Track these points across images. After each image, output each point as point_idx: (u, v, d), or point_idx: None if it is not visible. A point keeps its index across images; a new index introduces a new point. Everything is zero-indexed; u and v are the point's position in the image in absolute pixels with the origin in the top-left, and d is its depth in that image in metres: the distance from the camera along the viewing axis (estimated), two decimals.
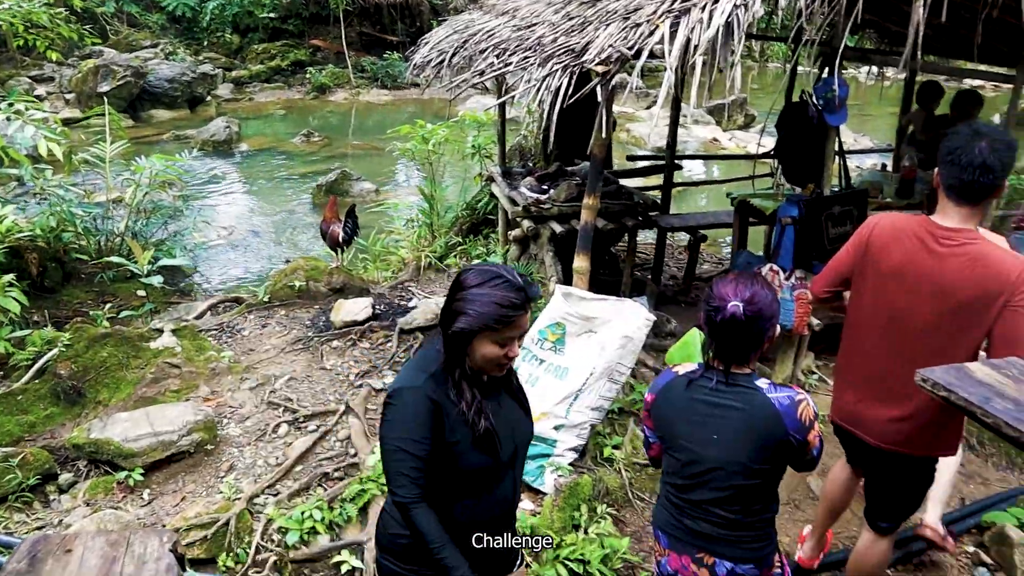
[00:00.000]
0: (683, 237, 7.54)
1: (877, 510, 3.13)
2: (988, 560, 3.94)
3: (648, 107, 15.65)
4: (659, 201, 6.52)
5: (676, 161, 6.83)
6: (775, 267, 4.44)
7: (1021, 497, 4.27)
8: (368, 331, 5.74)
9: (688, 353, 4.27)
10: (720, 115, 14.88)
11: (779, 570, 2.50)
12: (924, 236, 2.72)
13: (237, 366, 5.35)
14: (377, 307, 6.03)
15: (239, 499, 3.96)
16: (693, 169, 12.75)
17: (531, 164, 6.79)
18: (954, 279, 2.63)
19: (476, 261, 6.50)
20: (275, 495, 4.07)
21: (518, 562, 2.57)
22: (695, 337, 4.32)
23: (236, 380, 5.21)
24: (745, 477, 2.32)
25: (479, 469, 2.17)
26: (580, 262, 4.17)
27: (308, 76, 19.35)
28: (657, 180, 7.03)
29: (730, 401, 2.34)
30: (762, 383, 2.34)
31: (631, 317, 3.96)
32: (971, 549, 4.04)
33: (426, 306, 5.79)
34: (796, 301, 4.40)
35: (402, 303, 6.25)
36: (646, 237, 7.97)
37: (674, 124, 6.59)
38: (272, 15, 20.14)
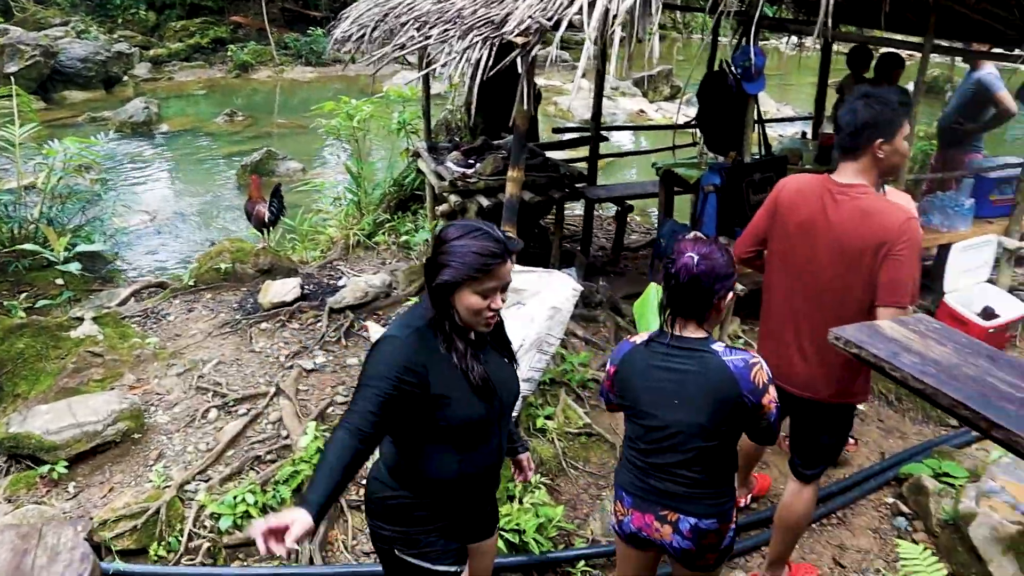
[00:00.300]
0: (612, 208, 7.61)
1: (800, 458, 3.30)
2: (906, 510, 4.13)
3: (575, 80, 15.58)
4: (586, 173, 6.56)
5: (602, 132, 6.87)
6: (699, 235, 4.51)
7: (935, 449, 4.47)
8: (297, 311, 5.66)
9: (645, 308, 4.35)
10: (646, 86, 15.02)
11: (735, 523, 2.61)
12: (823, 192, 2.93)
13: (163, 352, 5.24)
14: (306, 287, 5.95)
15: (169, 487, 3.90)
16: (622, 141, 12.84)
17: (457, 139, 6.75)
18: (846, 230, 2.84)
19: (404, 238, 6.47)
20: (206, 481, 4.01)
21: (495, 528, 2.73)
22: (653, 290, 4.39)
23: (163, 366, 5.10)
24: (704, 439, 2.42)
25: (473, 421, 2.24)
26: None
27: (229, 54, 18.83)
28: (585, 152, 7.07)
29: (687, 365, 2.42)
30: (717, 346, 2.43)
31: (559, 288, 3.99)
32: (890, 500, 4.22)
33: (355, 284, 5.74)
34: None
35: (331, 282, 6.19)
36: (575, 209, 8.03)
37: (598, 96, 6.63)
38: None
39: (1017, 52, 4.91)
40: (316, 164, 11.71)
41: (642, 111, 13.86)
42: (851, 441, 4.62)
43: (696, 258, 2.37)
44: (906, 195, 3.74)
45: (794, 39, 8.11)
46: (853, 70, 6.60)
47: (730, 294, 2.45)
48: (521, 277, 4.01)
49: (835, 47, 7.30)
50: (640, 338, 2.60)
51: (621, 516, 2.65)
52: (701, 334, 2.47)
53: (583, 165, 6.76)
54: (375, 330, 5.08)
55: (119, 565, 3.44)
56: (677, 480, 2.47)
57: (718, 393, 2.38)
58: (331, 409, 4.61)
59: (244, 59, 18.59)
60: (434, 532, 2.35)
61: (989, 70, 6.46)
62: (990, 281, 5.80)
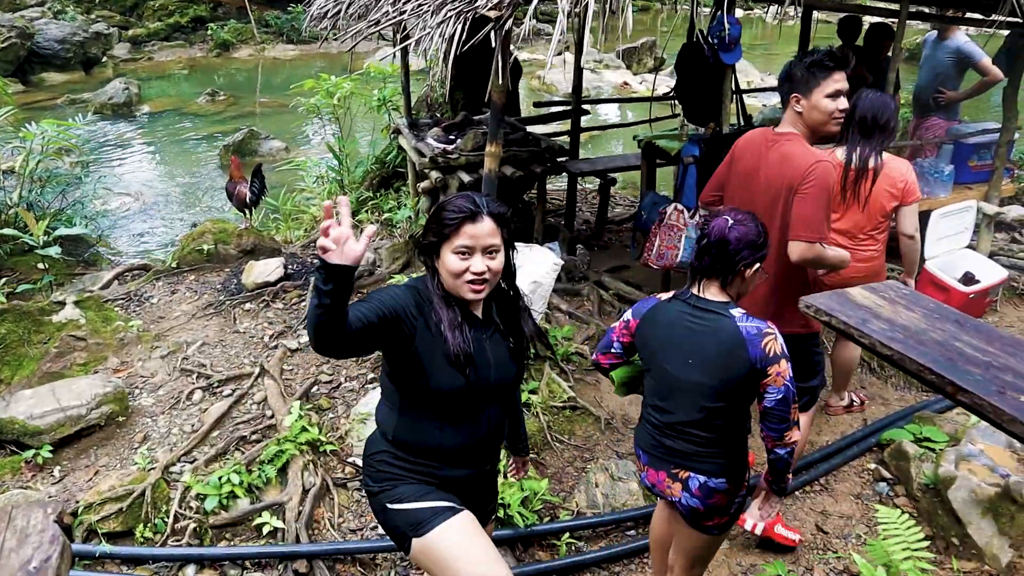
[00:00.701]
0: (598, 182, 7.59)
1: None
2: (888, 475, 4.17)
3: (559, 53, 15.58)
4: (568, 147, 6.54)
5: (583, 106, 6.84)
6: (679, 207, 4.52)
7: (916, 414, 4.51)
8: (281, 291, 5.65)
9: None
10: (630, 59, 14.94)
11: (745, 489, 2.66)
12: (762, 141, 3.30)
13: (147, 335, 5.23)
14: (289, 267, 5.94)
15: (154, 469, 3.90)
16: (608, 113, 12.80)
17: (439, 115, 6.72)
18: (771, 172, 3.19)
19: (387, 215, 6.45)
20: (192, 462, 4.02)
21: (493, 511, 2.72)
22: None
23: (146, 349, 5.09)
24: (713, 400, 2.48)
25: (452, 392, 2.25)
26: None
27: (210, 33, 18.65)
28: (568, 126, 7.04)
29: (704, 326, 2.49)
30: (735, 311, 2.49)
31: (540, 262, 4.00)
32: (872, 466, 4.26)
33: None
34: None
35: (315, 261, 6.16)
36: (560, 184, 8.01)
37: (578, 69, 6.59)
38: None
39: (995, 17, 4.87)
40: (300, 143, 11.64)
41: (626, 83, 13.80)
42: (856, 402, 4.67)
43: (731, 222, 2.49)
44: (905, 161, 3.82)
45: (779, 9, 8.05)
46: (844, 40, 6.56)
47: (756, 265, 2.52)
48: None
49: (816, 16, 7.25)
50: (666, 295, 2.67)
51: (639, 472, 2.80)
52: (723, 297, 2.53)
53: (566, 139, 6.74)
54: None
55: (105, 547, 3.46)
56: (689, 439, 2.54)
57: (728, 356, 2.43)
58: (316, 388, 4.62)
59: (225, 38, 18.41)
60: (418, 480, 2.34)
61: (965, 38, 6.45)
62: (970, 247, 5.82)
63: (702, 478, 2.54)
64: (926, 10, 5.85)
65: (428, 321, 2.23)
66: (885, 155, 3.81)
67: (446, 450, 2.33)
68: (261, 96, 14.74)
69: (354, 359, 4.88)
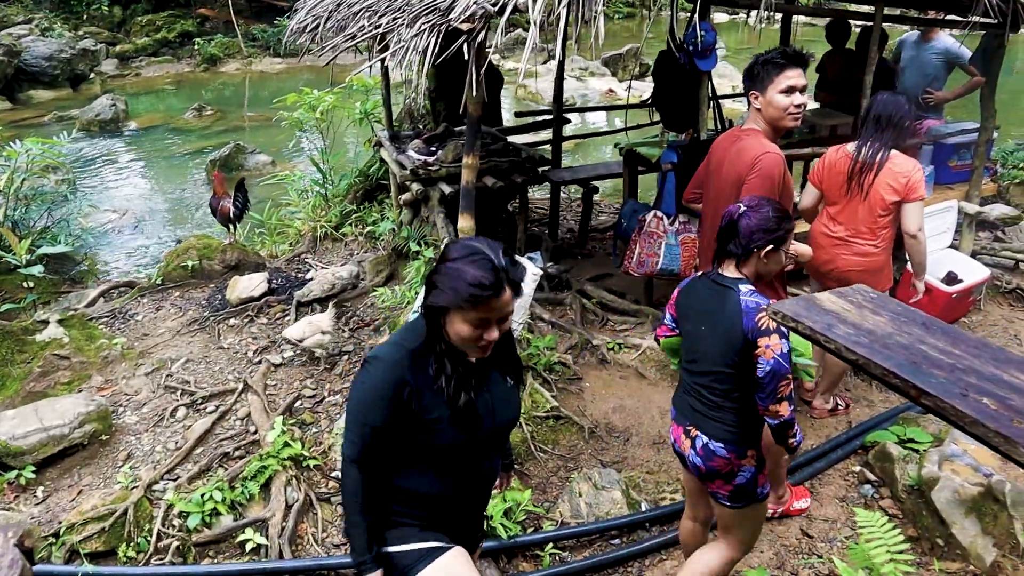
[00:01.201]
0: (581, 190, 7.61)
1: None
2: (873, 477, 4.17)
3: (545, 62, 15.63)
4: (550, 156, 6.55)
5: (566, 114, 6.86)
6: (659, 214, 4.54)
7: (901, 415, 4.51)
8: (265, 306, 5.65)
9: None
10: (616, 65, 14.98)
11: (751, 466, 2.77)
12: (729, 137, 3.50)
13: (131, 352, 5.22)
14: (274, 281, 5.94)
15: (137, 487, 3.89)
16: (597, 120, 12.82)
17: (420, 126, 6.73)
18: (730, 165, 3.39)
19: (370, 228, 6.45)
20: (175, 480, 4.01)
21: (482, 538, 2.71)
22: None
23: (131, 367, 5.08)
24: (718, 365, 2.70)
25: (454, 446, 2.18)
26: (464, 222, 4.18)
27: (197, 48, 18.63)
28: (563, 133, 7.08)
29: (716, 299, 2.71)
30: (744, 287, 2.68)
31: None
32: (857, 469, 4.26)
33: (323, 276, 5.73)
34: (681, 245, 4.52)
35: (299, 275, 6.17)
36: (545, 192, 8.02)
37: (559, 78, 6.61)
38: None
39: (973, 19, 4.90)
40: (287, 156, 11.64)
41: (611, 90, 13.84)
42: (841, 405, 4.69)
43: (743, 208, 2.71)
44: (913, 160, 3.92)
45: (764, 14, 8.09)
46: (833, 44, 6.58)
47: (769, 247, 2.68)
48: None
49: (799, 20, 7.29)
50: (701, 272, 2.97)
51: (671, 429, 3.02)
52: (736, 275, 2.73)
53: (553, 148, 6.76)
54: (292, 332, 5.02)
55: (88, 568, 3.44)
56: (700, 399, 2.78)
57: (730, 325, 2.63)
58: (299, 403, 4.61)
59: (212, 52, 18.41)
60: (407, 524, 2.29)
61: (951, 39, 6.49)
62: (953, 246, 5.84)
63: (705, 438, 2.75)
64: (899, 12, 5.88)
65: (427, 380, 2.12)
66: (894, 152, 3.90)
67: (441, 498, 2.28)
68: (248, 110, 14.74)
69: (337, 373, 4.89)
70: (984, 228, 6.76)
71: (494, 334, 2.07)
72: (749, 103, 3.40)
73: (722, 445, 2.72)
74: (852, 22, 6.48)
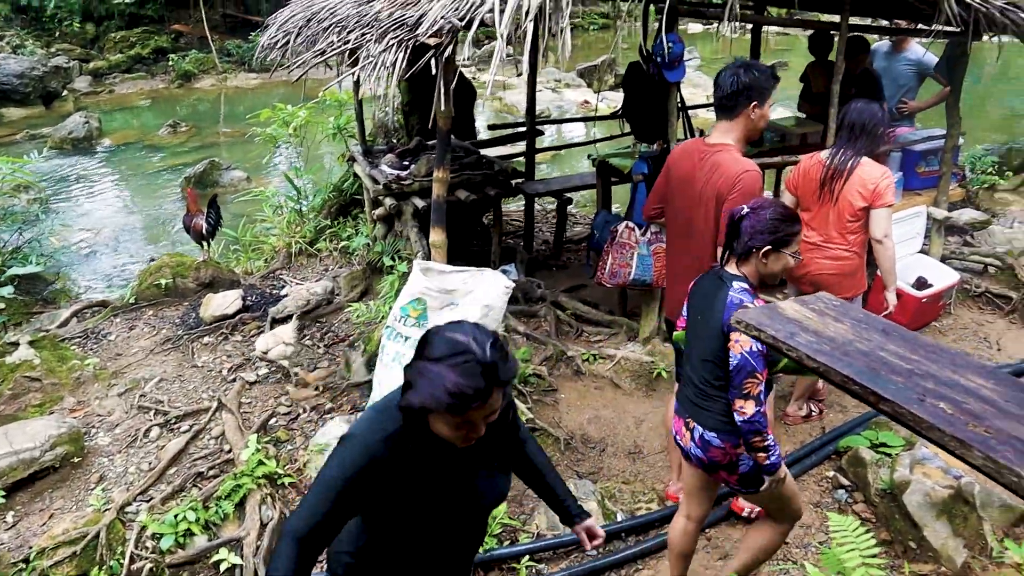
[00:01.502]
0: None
1: None
2: (846, 482, 4.20)
3: (520, 74, 15.66)
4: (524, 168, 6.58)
5: (537, 127, 6.89)
6: (630, 225, 4.56)
7: (873, 420, 4.55)
8: (239, 324, 5.63)
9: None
10: (591, 77, 15.07)
11: (748, 456, 2.82)
12: (695, 152, 3.50)
13: (104, 372, 5.18)
14: (248, 298, 5.91)
15: (109, 509, 3.85)
16: (573, 132, 12.87)
17: (394, 140, 6.73)
18: (705, 181, 3.40)
19: (344, 244, 6.43)
20: (148, 501, 3.98)
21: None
22: None
23: (103, 387, 5.04)
24: (708, 356, 2.79)
25: (439, 528, 2.05)
26: (436, 235, 4.20)
27: (171, 64, 18.50)
28: (539, 145, 7.12)
29: (713, 292, 2.81)
30: (737, 284, 2.78)
31: (491, 286, 4.01)
32: (831, 474, 4.29)
33: (297, 293, 5.71)
34: (653, 255, 4.54)
35: (274, 292, 6.15)
36: (520, 205, 8.04)
37: (531, 91, 6.64)
38: (128, 1, 19.11)
39: (936, 27, 4.99)
40: (262, 172, 11.60)
41: (586, 101, 13.90)
42: (814, 412, 4.72)
43: (746, 209, 2.81)
44: (882, 167, 4.02)
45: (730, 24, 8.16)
46: (816, 55, 6.64)
47: (767, 248, 2.76)
48: (452, 277, 4.03)
49: (772, 29, 7.36)
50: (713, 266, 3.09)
51: (673, 422, 3.12)
52: (736, 272, 2.84)
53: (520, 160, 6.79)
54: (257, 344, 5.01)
55: None
56: (695, 389, 2.87)
57: (716, 318, 2.73)
58: (273, 420, 4.59)
59: (186, 68, 18.31)
60: None
61: (923, 50, 6.59)
62: (923, 251, 5.91)
63: (700, 429, 2.84)
64: (869, 22, 5.97)
65: (405, 463, 1.94)
66: (864, 159, 3.97)
67: (420, 570, 2.16)
68: (224, 126, 14.69)
69: (314, 390, 4.87)
70: (953, 233, 6.84)
71: (481, 430, 1.87)
72: (734, 114, 3.37)
73: (715, 435, 2.81)
74: (834, 33, 6.55)
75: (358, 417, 2.02)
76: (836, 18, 5.29)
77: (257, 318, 5.66)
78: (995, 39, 5.63)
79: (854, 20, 5.86)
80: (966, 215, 7.09)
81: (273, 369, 5.02)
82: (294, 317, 5.25)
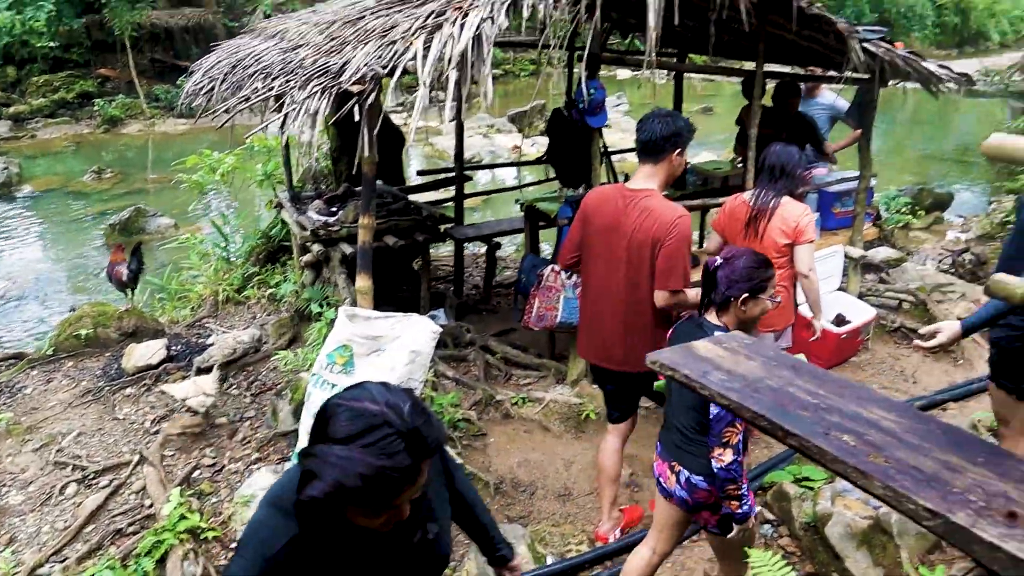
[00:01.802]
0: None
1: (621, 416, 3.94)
2: (772, 517, 4.26)
3: (452, 119, 15.78)
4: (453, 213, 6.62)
5: (466, 172, 6.96)
6: (556, 268, 4.62)
7: (796, 455, 4.65)
8: (163, 374, 5.49)
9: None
10: (521, 122, 15.30)
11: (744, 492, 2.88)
12: (619, 198, 3.54)
13: (18, 428, 4.99)
14: (173, 348, 5.78)
15: (19, 572, 3.70)
16: (506, 177, 13.01)
17: (323, 187, 6.72)
18: (635, 227, 3.44)
19: (272, 290, 6.35)
20: (62, 561, 3.82)
21: None
22: None
23: (16, 443, 4.85)
24: (691, 404, 2.84)
25: None
26: (362, 282, 4.18)
27: (97, 108, 18.19)
28: (469, 189, 7.18)
29: (694, 340, 2.70)
30: (718, 333, 2.75)
31: (419, 331, 3.99)
32: (757, 509, 4.36)
33: (224, 341, 5.61)
34: (579, 298, 4.60)
35: (200, 341, 6.03)
36: (451, 250, 8.08)
37: (459, 136, 6.72)
38: (52, 44, 18.75)
39: (847, 74, 5.25)
40: (190, 218, 11.42)
41: (517, 146, 14.09)
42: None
43: (719, 260, 2.91)
44: (802, 205, 4.16)
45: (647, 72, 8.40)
46: (749, 99, 6.86)
47: (745, 295, 2.84)
48: (379, 323, 4.01)
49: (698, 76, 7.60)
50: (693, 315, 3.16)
51: (654, 463, 3.17)
52: (716, 321, 2.91)
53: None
54: (177, 391, 4.90)
55: None
56: (681, 436, 2.91)
57: None
58: (197, 472, 4.47)
59: (113, 113, 18.02)
60: None
61: (834, 95, 6.92)
62: (841, 289, 6.11)
63: (687, 473, 2.89)
64: (779, 68, 6.22)
65: (322, 572, 1.66)
66: (785, 198, 4.12)
67: None
68: (151, 172, 14.45)
69: (238, 440, 4.77)
70: (869, 270, 7.09)
71: (406, 512, 1.58)
72: (658, 160, 3.50)
73: (702, 478, 2.86)
74: (789, 80, 6.80)
75: (250, 518, 1.73)
76: (753, 65, 5.50)
77: (182, 368, 5.53)
78: (900, 85, 5.93)
79: (773, 67, 6.11)
80: (881, 253, 7.37)
81: (198, 420, 4.90)
82: (215, 367, 5.15)
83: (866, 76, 5.44)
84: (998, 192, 10.59)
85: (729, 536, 2.92)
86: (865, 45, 5.09)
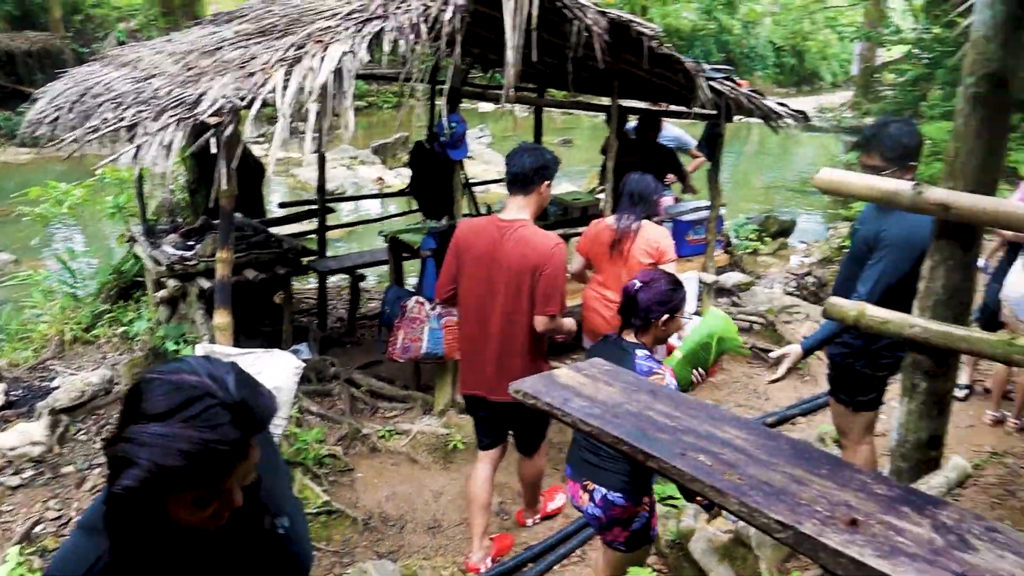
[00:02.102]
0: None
1: (520, 446, 4.04)
2: None
3: (313, 151, 15.55)
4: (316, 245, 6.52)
5: (328, 204, 6.88)
6: (420, 299, 4.63)
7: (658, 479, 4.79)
8: (1, 422, 5.12)
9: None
10: (385, 153, 15.28)
11: (646, 511, 3.07)
12: (493, 229, 3.61)
13: None
14: (12, 393, 5.41)
15: None
16: (370, 209, 12.92)
17: (179, 219, 6.49)
18: (512, 257, 3.52)
19: (124, 328, 6.06)
20: None
21: None
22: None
23: None
24: None
25: None
26: (220, 318, 4.06)
27: None
28: (333, 222, 7.09)
29: (616, 360, 2.78)
30: (640, 352, 3.00)
31: (280, 367, 3.91)
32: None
33: (71, 384, 5.28)
34: (444, 328, 4.62)
35: (44, 384, 5.66)
36: (315, 282, 7.94)
37: (322, 167, 6.66)
38: None
39: (695, 110, 5.54)
40: (34, 254, 10.73)
41: (380, 178, 14.05)
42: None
43: (638, 284, 3.07)
44: (662, 228, 4.49)
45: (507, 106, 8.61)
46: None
47: (665, 316, 3.04)
48: (239, 360, 3.90)
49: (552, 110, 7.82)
50: (611, 335, 3.26)
51: (567, 486, 3.23)
52: (635, 341, 3.07)
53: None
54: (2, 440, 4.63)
55: None
56: (597, 453, 2.96)
57: None
58: (40, 527, 4.18)
59: None
60: None
61: (678, 129, 7.32)
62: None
63: (603, 490, 2.94)
64: (634, 104, 6.51)
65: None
66: (645, 222, 4.41)
67: None
68: None
69: (87, 489, 4.50)
70: (722, 295, 7.45)
71: (238, 500, 1.40)
72: (528, 191, 3.62)
73: (620, 495, 2.94)
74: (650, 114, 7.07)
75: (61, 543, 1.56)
76: (608, 100, 5.73)
77: (23, 415, 5.17)
78: (744, 120, 6.32)
79: (628, 102, 6.39)
80: (732, 278, 7.77)
81: (40, 471, 4.59)
82: (45, 413, 4.86)
83: (714, 112, 5.76)
84: (835, 219, 11.37)
85: (634, 553, 3.07)
86: (712, 83, 5.39)
